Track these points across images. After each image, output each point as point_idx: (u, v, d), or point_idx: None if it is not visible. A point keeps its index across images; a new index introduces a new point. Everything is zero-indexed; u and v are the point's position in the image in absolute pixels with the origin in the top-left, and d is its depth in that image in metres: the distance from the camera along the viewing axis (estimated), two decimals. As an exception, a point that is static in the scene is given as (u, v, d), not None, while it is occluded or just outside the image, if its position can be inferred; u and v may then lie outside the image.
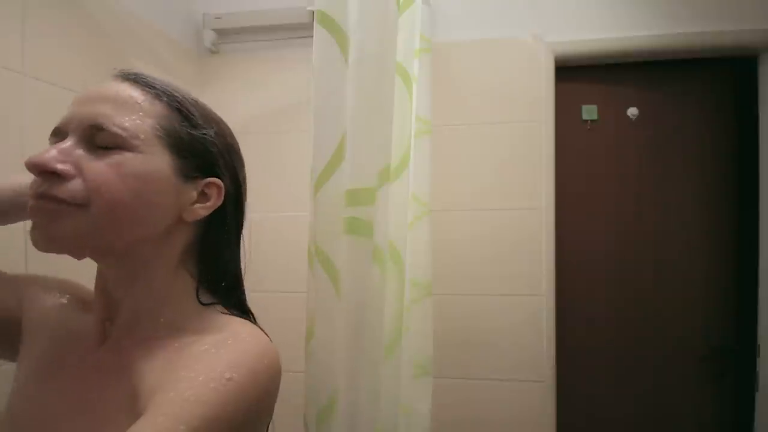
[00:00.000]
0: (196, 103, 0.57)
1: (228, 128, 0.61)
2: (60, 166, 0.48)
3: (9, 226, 0.66)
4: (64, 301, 0.64)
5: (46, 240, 0.50)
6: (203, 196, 0.56)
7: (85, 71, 1.24)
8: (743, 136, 1.59)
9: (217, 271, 0.60)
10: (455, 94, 1.63)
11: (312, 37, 1.01)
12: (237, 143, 0.62)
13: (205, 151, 0.56)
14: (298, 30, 1.65)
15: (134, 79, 0.54)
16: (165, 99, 0.54)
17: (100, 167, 0.49)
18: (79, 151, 0.50)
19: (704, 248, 1.61)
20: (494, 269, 1.61)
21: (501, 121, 1.62)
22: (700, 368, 1.60)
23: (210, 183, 0.56)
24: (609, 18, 1.58)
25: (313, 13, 1.01)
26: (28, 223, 0.51)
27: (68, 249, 0.51)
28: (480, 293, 1.61)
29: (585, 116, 1.67)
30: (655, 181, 1.64)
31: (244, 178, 0.63)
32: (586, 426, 1.65)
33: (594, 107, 1.67)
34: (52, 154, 0.49)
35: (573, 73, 1.65)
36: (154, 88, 0.54)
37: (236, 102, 1.70)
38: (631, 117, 1.65)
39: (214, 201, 0.57)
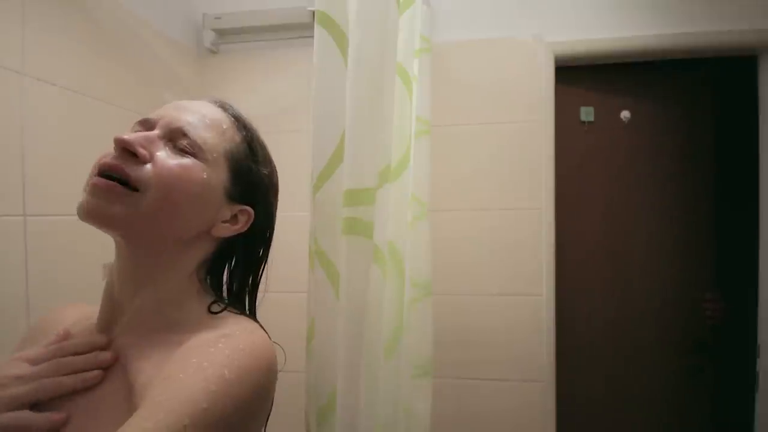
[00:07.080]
0: (262, 144, 0.66)
1: (276, 171, 0.69)
2: (140, 150, 0.54)
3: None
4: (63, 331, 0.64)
5: (92, 216, 0.53)
6: (234, 219, 0.62)
7: (85, 71, 1.24)
8: (743, 136, 1.59)
9: (225, 287, 0.66)
10: (455, 94, 1.63)
11: (312, 37, 1.01)
12: (278, 185, 0.70)
13: (256, 184, 0.64)
14: (298, 30, 1.65)
15: (226, 108, 0.64)
16: (243, 132, 0.63)
17: (171, 163, 0.55)
18: (160, 144, 0.56)
19: (705, 248, 1.61)
20: (494, 269, 1.61)
21: (501, 122, 1.62)
22: (700, 368, 1.60)
23: (244, 210, 0.62)
24: (609, 18, 1.58)
25: (313, 13, 1.01)
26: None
27: (107, 225, 0.54)
28: (480, 293, 1.61)
29: (583, 117, 1.67)
30: (654, 181, 1.64)
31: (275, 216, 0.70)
32: (585, 426, 1.65)
33: (590, 109, 1.67)
34: (138, 138, 0.54)
35: (572, 74, 1.65)
36: (239, 120, 0.64)
37: (236, 102, 1.66)
38: (624, 120, 1.65)
39: (241, 226, 0.62)
